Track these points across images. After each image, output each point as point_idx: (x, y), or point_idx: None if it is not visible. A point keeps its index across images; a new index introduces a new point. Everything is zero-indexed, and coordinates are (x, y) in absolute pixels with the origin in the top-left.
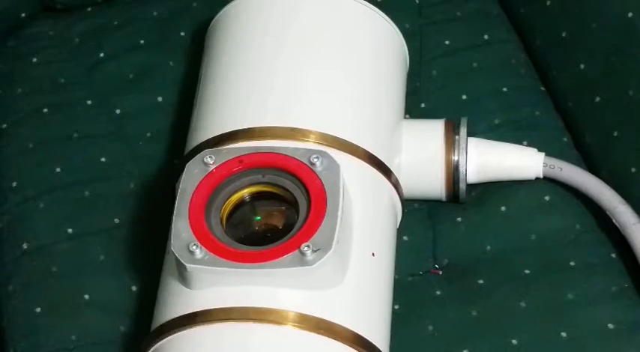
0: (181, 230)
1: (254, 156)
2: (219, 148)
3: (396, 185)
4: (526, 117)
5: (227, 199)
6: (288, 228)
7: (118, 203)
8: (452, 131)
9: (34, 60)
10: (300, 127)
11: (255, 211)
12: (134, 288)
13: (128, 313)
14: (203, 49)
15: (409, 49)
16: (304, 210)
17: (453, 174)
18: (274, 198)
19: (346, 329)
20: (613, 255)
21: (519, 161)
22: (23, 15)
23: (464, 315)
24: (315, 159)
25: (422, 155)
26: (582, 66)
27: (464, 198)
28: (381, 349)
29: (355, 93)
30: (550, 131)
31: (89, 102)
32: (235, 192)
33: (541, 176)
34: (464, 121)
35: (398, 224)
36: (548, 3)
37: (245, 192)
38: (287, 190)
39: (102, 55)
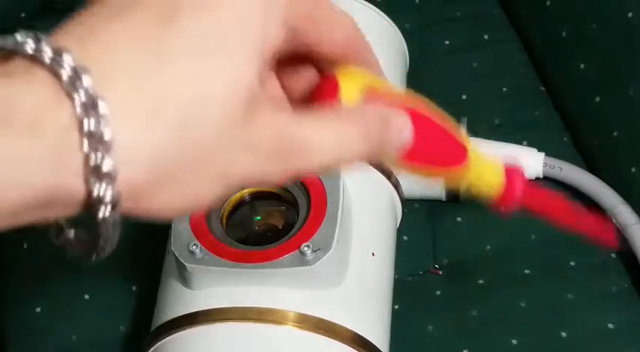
0: (181, 230)
1: None
2: None
3: (396, 185)
4: (526, 117)
5: (227, 199)
6: (288, 228)
7: None
8: None
9: None
10: None
11: (255, 211)
12: (134, 288)
13: (128, 313)
14: None
15: (409, 49)
16: (304, 210)
17: None
18: (274, 198)
19: (346, 329)
20: (613, 255)
21: (519, 161)
22: (23, 15)
23: (464, 315)
24: None
25: None
26: (582, 66)
27: (464, 198)
28: (380, 349)
29: None
30: (550, 131)
31: None
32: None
33: (541, 176)
34: (464, 121)
35: (398, 224)
36: (548, 3)
37: (245, 192)
38: (287, 190)
39: None
